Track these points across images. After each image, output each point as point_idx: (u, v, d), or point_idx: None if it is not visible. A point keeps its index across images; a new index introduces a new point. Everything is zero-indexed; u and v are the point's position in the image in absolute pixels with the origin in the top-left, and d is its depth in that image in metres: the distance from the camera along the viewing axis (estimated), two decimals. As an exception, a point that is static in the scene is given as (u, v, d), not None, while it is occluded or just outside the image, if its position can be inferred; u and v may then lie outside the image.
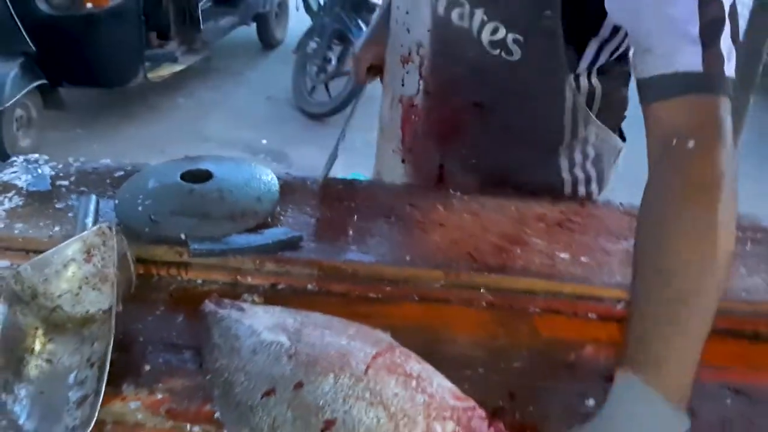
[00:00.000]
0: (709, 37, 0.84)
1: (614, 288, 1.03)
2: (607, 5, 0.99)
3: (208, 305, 0.94)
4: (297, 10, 6.04)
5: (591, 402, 0.87)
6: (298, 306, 0.94)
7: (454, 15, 1.15)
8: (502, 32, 1.10)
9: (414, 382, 0.77)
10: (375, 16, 1.53)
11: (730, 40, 0.86)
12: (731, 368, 0.94)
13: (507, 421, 0.82)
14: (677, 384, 0.74)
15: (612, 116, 1.26)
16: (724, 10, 0.86)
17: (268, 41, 6.53)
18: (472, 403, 0.78)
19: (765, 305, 1.01)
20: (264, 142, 4.61)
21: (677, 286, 0.76)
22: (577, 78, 1.16)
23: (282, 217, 1.16)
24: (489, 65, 1.14)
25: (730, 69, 0.86)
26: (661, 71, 0.87)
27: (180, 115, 4.99)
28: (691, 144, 0.81)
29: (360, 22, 4.81)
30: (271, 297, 1.02)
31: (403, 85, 1.32)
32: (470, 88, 1.22)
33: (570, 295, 1.03)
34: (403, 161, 1.40)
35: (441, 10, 1.16)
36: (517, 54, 1.11)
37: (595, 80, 1.18)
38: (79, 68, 4.24)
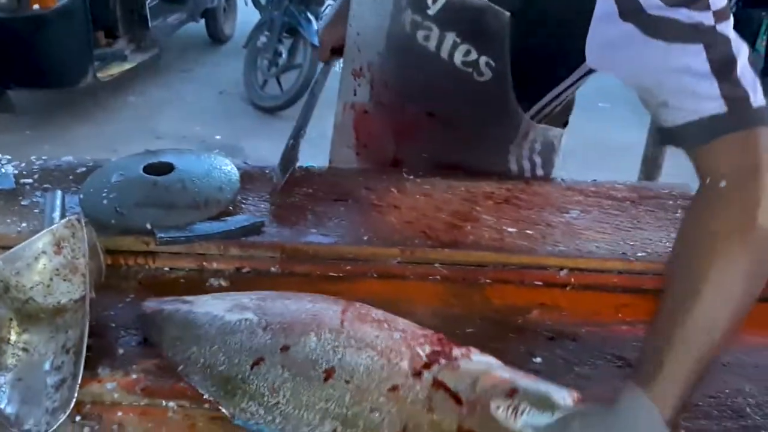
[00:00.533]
0: (723, 74, 0.81)
1: (557, 257, 1.11)
2: (593, 63, 1.00)
3: (149, 305, 0.96)
4: (246, 4, 6.05)
5: (538, 359, 0.95)
6: (262, 288, 1.00)
7: (420, 35, 1.17)
8: (474, 55, 1.14)
9: (385, 324, 0.86)
10: None
11: (749, 71, 0.82)
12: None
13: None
14: (675, 404, 0.73)
15: (562, 118, 1.35)
16: (730, 46, 0.82)
17: (217, 37, 6.50)
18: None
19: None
20: (218, 137, 4.61)
21: (701, 324, 0.75)
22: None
23: (243, 205, 1.22)
24: (452, 81, 1.17)
25: (758, 99, 0.81)
26: (687, 119, 0.83)
27: (132, 114, 4.96)
28: (723, 184, 0.79)
29: (309, 15, 4.84)
30: (237, 280, 1.08)
31: (355, 94, 1.39)
32: (425, 100, 1.28)
33: (517, 265, 1.11)
34: (357, 154, 1.46)
35: (407, 28, 1.18)
36: (487, 75, 1.15)
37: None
38: (28, 70, 4.18)
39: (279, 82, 5.10)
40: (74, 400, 0.83)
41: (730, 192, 0.78)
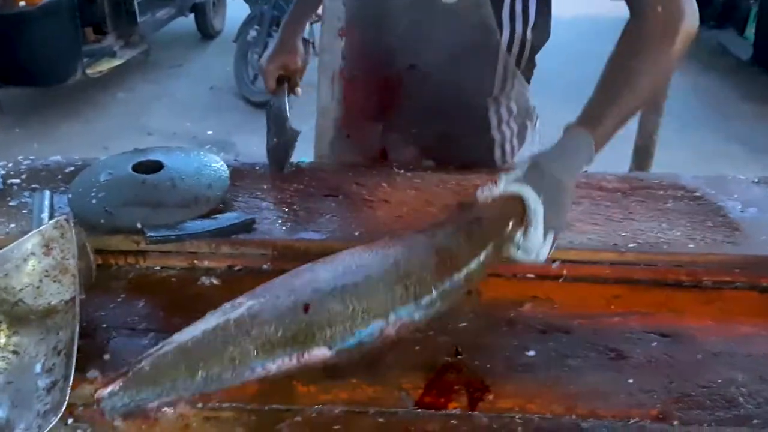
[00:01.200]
0: None
1: (549, 249, 1.11)
2: None
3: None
4: (235, -1, 6.01)
5: (531, 353, 0.95)
6: (255, 285, 0.99)
7: None
8: None
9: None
10: (280, 29, 1.54)
11: None
12: (656, 314, 1.03)
13: (454, 376, 0.90)
14: (602, 143, 0.99)
15: (528, 71, 1.37)
16: None
17: (207, 31, 6.48)
18: None
19: (684, 256, 1.11)
20: (209, 132, 4.59)
21: (630, 99, 1.01)
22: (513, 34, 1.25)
23: (234, 202, 1.21)
24: (428, 23, 1.23)
25: None
26: None
27: (122, 111, 4.94)
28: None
29: (299, 8, 4.81)
30: (228, 278, 1.07)
31: (343, 57, 1.39)
32: (407, 53, 1.30)
33: (509, 259, 1.10)
34: (348, 136, 1.46)
35: None
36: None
37: (529, 35, 1.27)
38: (15, 68, 4.15)
39: (269, 77, 5.07)
40: (66, 402, 0.82)
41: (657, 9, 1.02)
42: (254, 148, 4.02)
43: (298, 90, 1.47)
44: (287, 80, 1.45)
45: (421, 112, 1.35)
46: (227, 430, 0.83)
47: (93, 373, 0.89)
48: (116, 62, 4.79)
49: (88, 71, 4.49)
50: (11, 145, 4.16)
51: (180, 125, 4.66)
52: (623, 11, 1.09)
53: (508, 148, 1.42)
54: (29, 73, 4.24)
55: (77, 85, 4.67)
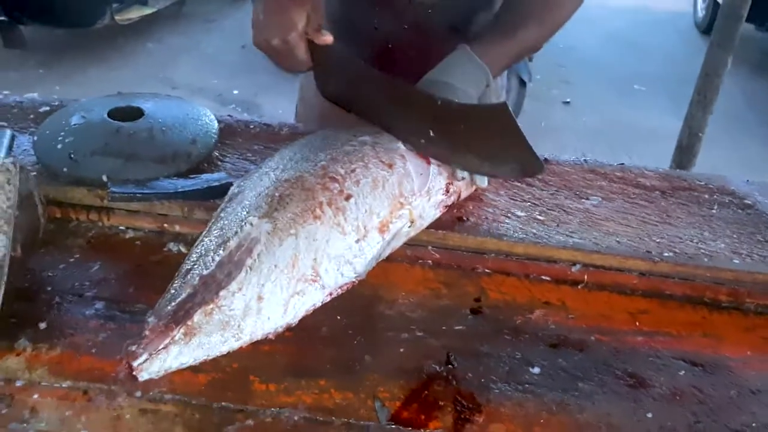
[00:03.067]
0: None
1: (570, 249, 0.96)
2: None
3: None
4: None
5: (536, 370, 0.80)
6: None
7: None
8: None
9: None
10: None
11: None
12: (688, 337, 0.88)
13: (442, 388, 0.76)
14: (496, 66, 1.03)
15: None
16: None
17: (245, -12, 6.31)
18: None
19: (727, 272, 0.95)
20: (235, 92, 4.47)
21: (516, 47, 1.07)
22: None
23: (220, 163, 1.07)
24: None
25: None
26: None
27: (148, 61, 4.82)
28: None
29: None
30: (199, 247, 0.94)
31: (376, 28, 1.24)
32: (448, 15, 1.22)
33: (522, 256, 0.96)
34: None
35: None
36: None
37: None
38: (42, 6, 4.04)
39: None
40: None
41: None
42: (280, 111, 3.89)
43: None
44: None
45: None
46: (164, 429, 0.70)
47: (22, 343, 0.77)
48: (147, 11, 4.67)
49: (117, 17, 4.38)
50: (33, 84, 4.07)
51: (206, 81, 4.53)
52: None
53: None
54: (56, 13, 4.13)
55: (106, 32, 4.56)
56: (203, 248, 0.80)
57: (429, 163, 0.94)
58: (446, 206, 0.96)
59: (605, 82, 5.17)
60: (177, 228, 0.97)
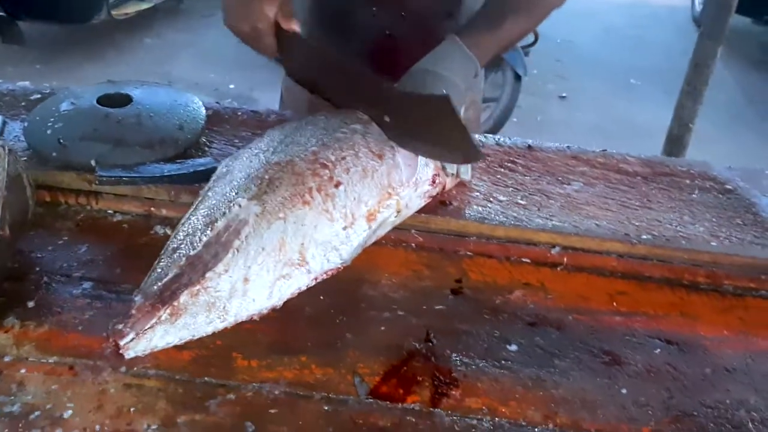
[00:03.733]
0: None
1: (550, 232, 0.98)
2: None
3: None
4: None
5: (513, 347, 0.82)
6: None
7: None
8: None
9: None
10: None
11: None
12: (665, 317, 0.89)
13: (420, 364, 0.78)
14: (483, 55, 1.04)
15: None
16: None
17: (242, -17, 6.32)
18: None
19: (705, 255, 0.97)
20: (231, 86, 4.48)
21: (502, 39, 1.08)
22: None
23: (207, 149, 1.09)
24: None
25: None
26: None
27: (146, 56, 4.83)
28: None
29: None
30: (186, 230, 0.96)
31: (374, 15, 1.24)
32: (446, 2, 1.23)
33: (503, 239, 0.98)
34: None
35: None
36: None
37: None
38: (40, 2, 4.05)
39: (301, 34, 4.93)
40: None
41: None
42: (275, 105, 3.90)
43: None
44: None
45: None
46: (148, 402, 0.71)
47: (11, 321, 0.78)
48: (144, 6, 4.68)
49: (114, 12, 4.39)
50: (30, 80, 4.08)
51: (203, 76, 4.55)
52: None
53: None
54: (53, 8, 4.14)
55: (104, 28, 4.57)
56: (190, 227, 0.81)
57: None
58: (431, 196, 0.97)
59: (602, 76, 5.18)
60: (164, 212, 0.98)
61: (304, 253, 0.80)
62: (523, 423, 0.73)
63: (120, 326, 0.73)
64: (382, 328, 0.83)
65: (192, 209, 0.83)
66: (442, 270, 0.93)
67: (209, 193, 0.85)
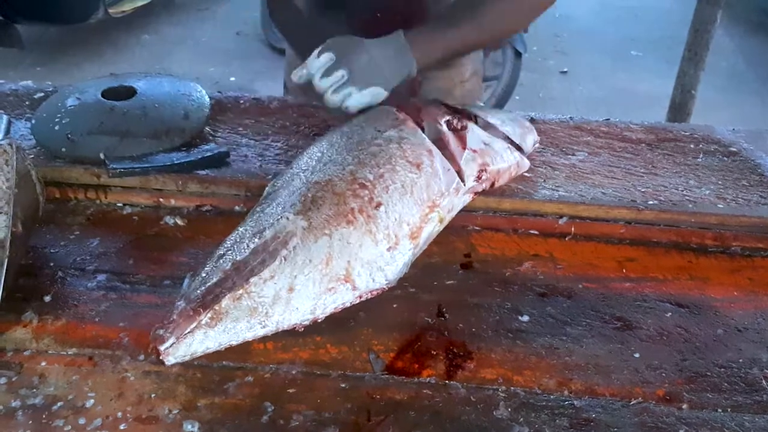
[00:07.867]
0: None
1: (557, 202, 0.98)
2: None
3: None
4: (265, -60, 5.80)
5: (525, 318, 0.83)
6: (224, 228, 0.88)
7: None
8: None
9: None
10: None
11: None
12: (674, 281, 0.90)
13: (434, 339, 0.79)
14: (426, 57, 1.01)
15: None
16: None
17: (236, -25, 6.29)
18: None
19: (712, 217, 0.97)
20: (232, 78, 4.47)
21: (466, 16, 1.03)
22: None
23: (211, 137, 1.10)
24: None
25: None
26: None
27: (145, 53, 4.82)
28: None
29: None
30: (195, 219, 0.97)
31: None
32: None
33: (510, 212, 0.98)
34: None
35: None
36: None
37: None
38: (36, 4, 4.04)
39: (297, 23, 4.92)
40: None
41: None
42: (277, 95, 3.90)
43: None
44: None
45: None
46: (168, 388, 0.73)
47: (29, 315, 0.80)
48: (140, 2, 4.63)
49: (111, 11, 4.35)
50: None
51: (203, 70, 4.53)
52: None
53: None
54: (50, 10, 4.11)
55: (101, 26, 4.55)
56: (238, 236, 0.81)
57: (464, 148, 0.93)
58: (477, 192, 0.95)
59: (602, 49, 5.14)
60: (172, 202, 0.99)
61: (351, 271, 0.79)
62: (538, 391, 0.74)
63: (161, 331, 0.73)
64: (395, 305, 0.84)
65: (241, 222, 0.83)
66: (450, 245, 0.94)
67: (257, 209, 0.85)
